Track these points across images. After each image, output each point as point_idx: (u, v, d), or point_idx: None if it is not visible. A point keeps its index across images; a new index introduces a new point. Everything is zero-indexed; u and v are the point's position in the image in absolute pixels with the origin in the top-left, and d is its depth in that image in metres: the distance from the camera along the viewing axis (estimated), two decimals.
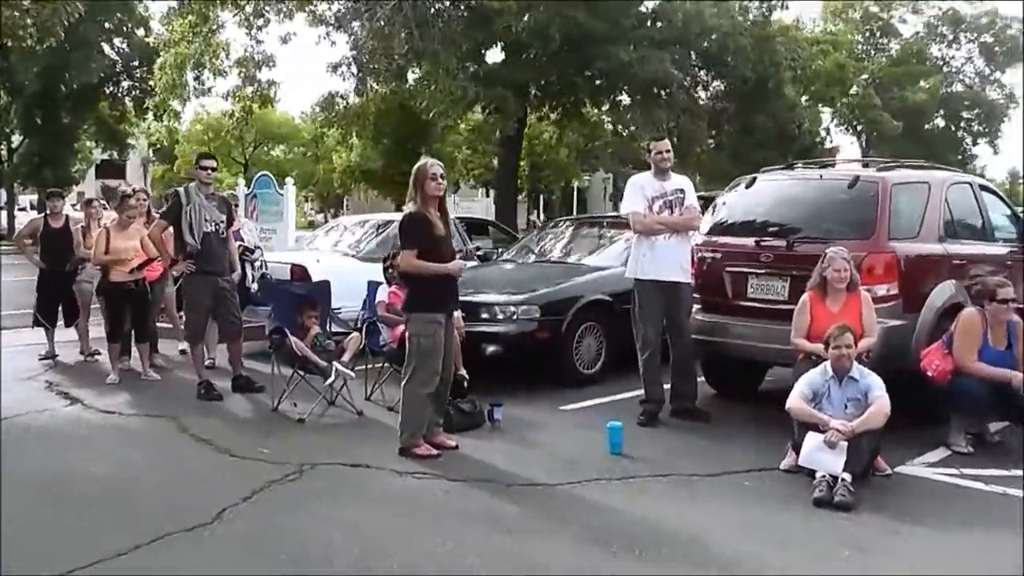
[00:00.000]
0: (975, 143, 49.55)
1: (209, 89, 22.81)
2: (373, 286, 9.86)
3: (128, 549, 5.30)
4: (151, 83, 29.91)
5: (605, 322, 10.40)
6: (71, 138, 41.49)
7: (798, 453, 6.75)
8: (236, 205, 11.00)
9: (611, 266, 11.06)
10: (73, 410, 8.96)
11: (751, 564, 5.25)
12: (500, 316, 9.95)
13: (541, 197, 58.30)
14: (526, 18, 24.41)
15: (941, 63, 49.72)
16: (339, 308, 9.92)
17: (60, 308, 11.48)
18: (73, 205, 21.92)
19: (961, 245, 8.74)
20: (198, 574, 5.08)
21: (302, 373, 8.83)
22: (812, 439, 6.48)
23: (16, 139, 41.85)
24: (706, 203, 9.66)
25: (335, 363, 8.61)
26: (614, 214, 18.29)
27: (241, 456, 7.24)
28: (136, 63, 39.19)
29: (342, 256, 13.06)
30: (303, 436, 8.01)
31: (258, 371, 9.90)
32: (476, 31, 24.81)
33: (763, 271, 8.52)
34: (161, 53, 24.31)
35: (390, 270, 9.55)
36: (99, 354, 11.21)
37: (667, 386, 8.80)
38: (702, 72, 27.96)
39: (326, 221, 63.49)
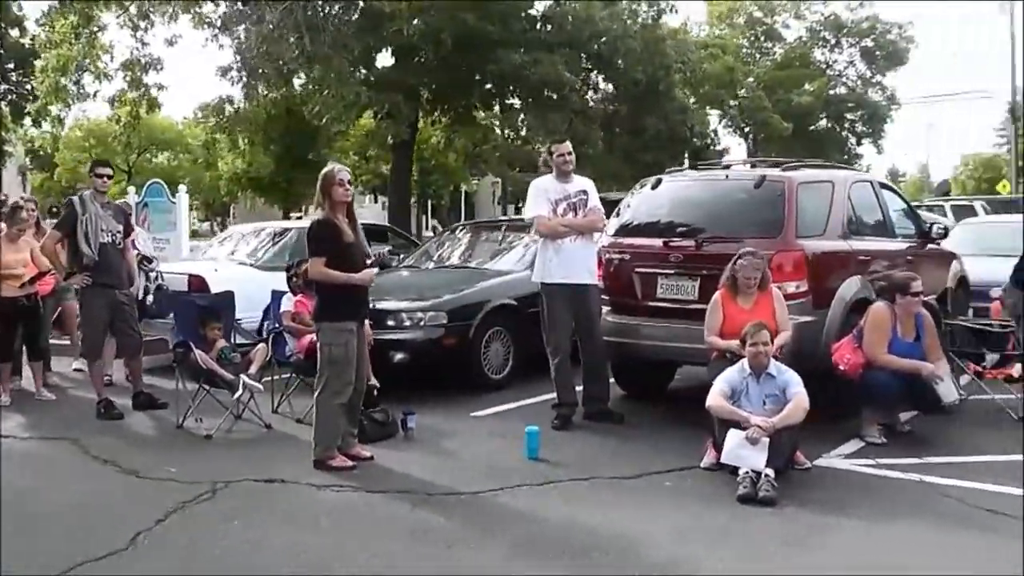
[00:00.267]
0: (859, 143, 51.03)
1: (95, 93, 22.00)
2: (277, 295, 9.65)
3: None
4: (28, 87, 28.86)
5: (512, 327, 10.35)
6: None
7: (718, 451, 6.79)
8: (130, 214, 10.61)
9: (515, 270, 11.05)
10: None
11: (688, 565, 5.24)
12: (407, 323, 9.82)
13: (429, 202, 58.12)
14: (415, 22, 24.26)
15: (824, 67, 51.05)
16: (239, 319, 9.67)
17: None
18: None
19: (864, 241, 8.92)
20: None
21: (208, 388, 8.57)
22: (734, 436, 6.51)
23: None
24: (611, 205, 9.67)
25: (242, 376, 8.39)
26: (513, 217, 18.38)
27: (149, 477, 6.97)
28: (11, 66, 37.70)
29: (240, 265, 12.77)
30: (212, 453, 7.76)
31: (158, 387, 9.63)
32: (366, 35, 24.58)
33: (672, 271, 8.56)
34: (41, 56, 23.53)
35: (294, 279, 9.36)
36: None
37: (579, 388, 8.77)
38: (592, 74, 28.13)
39: (212, 230, 62.51)
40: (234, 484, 6.71)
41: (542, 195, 8.68)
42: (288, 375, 9.32)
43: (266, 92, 24.27)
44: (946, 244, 11.20)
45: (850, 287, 8.40)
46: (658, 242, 8.67)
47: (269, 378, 9.05)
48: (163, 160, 57.74)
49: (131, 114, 22.19)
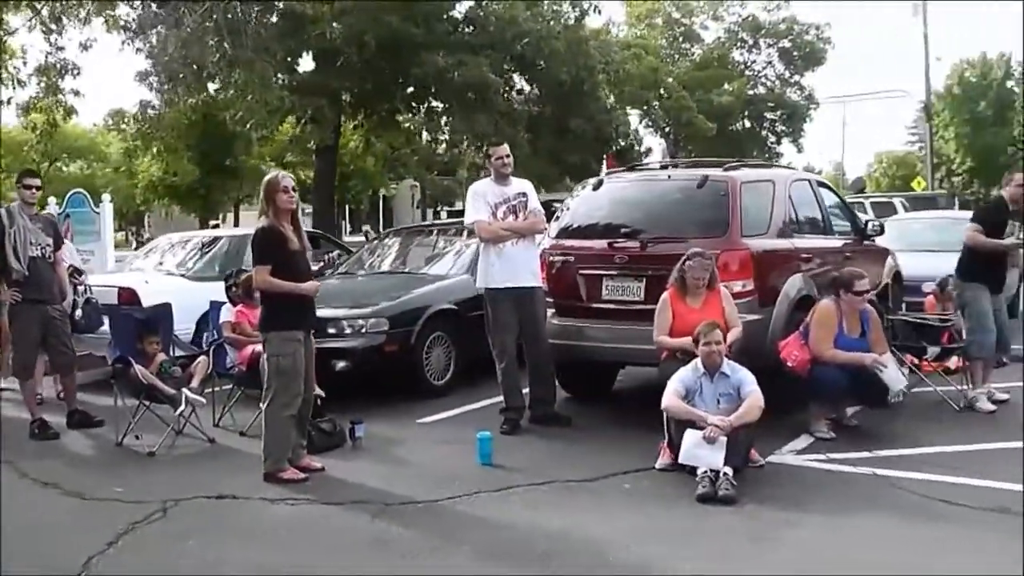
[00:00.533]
0: (779, 142, 51.80)
1: (8, 100, 21.25)
2: (216, 305, 9.45)
3: None
4: None
5: (452, 332, 10.27)
6: None
7: (673, 451, 6.80)
8: (59, 226, 10.28)
9: (453, 274, 10.98)
10: None
11: (660, 566, 5.21)
12: (348, 330, 9.68)
13: (348, 207, 57.70)
14: (335, 25, 24.03)
15: (743, 67, 51.72)
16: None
17: None
18: None
19: (806, 239, 9.01)
20: None
21: (148, 404, 8.34)
22: (691, 436, 6.50)
23: None
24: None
25: (184, 390, 8.19)
26: (448, 221, 18.32)
27: (95, 498, 6.73)
28: None
29: (170, 276, 12.48)
30: (157, 470, 7.55)
31: (91, 403, 9.34)
32: (288, 39, 24.29)
33: (618, 272, 8.54)
34: None
35: (234, 288, 9.18)
36: None
37: (524, 390, 8.70)
38: (516, 76, 28.14)
39: (127, 239, 61.21)
40: (184, 502, 6.52)
41: (480, 199, 8.59)
42: (232, 387, 9.12)
43: (186, 97, 23.80)
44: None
45: (794, 284, 8.47)
46: (602, 243, 8.64)
47: (210, 390, 8.85)
48: (75, 169, 56.38)
49: (48, 121, 21.53)
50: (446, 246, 12.28)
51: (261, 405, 8.21)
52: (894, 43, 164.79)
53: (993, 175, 58.55)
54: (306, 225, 8.79)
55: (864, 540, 5.55)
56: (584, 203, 9.41)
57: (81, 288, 10.73)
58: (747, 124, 50.95)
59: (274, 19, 24.37)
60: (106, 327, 10.10)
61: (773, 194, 8.82)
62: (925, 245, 14.01)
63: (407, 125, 30.15)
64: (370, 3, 23.54)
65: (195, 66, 22.47)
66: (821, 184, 10.26)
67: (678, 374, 6.96)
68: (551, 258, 8.90)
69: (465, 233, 12.25)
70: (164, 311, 9.14)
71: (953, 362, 9.11)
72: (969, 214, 10.83)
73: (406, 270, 11.88)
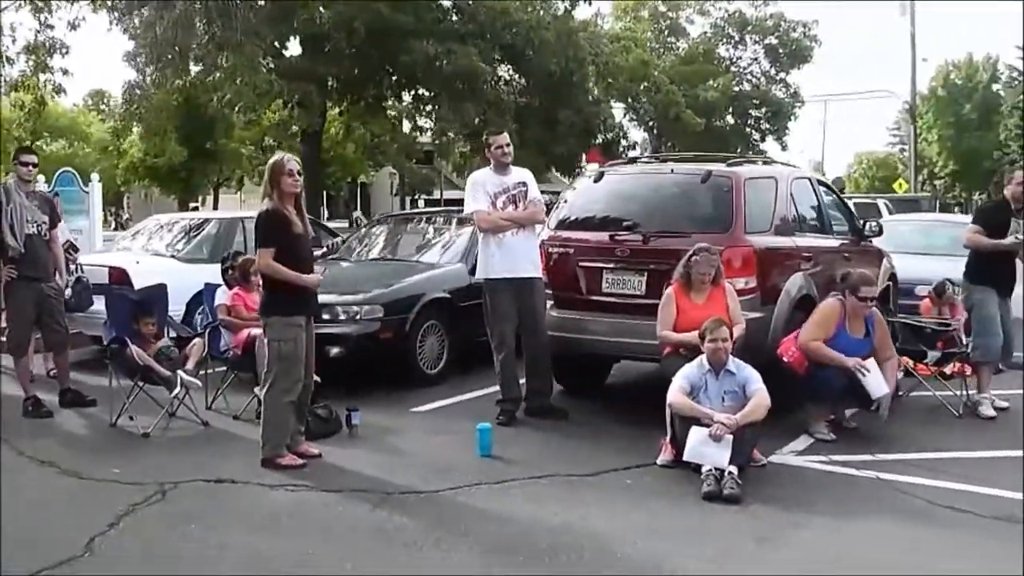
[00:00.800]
0: (763, 139, 51.75)
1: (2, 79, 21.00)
2: (211, 288, 9.37)
3: None
4: None
5: (445, 321, 10.24)
6: None
7: (675, 447, 6.78)
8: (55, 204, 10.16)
9: (446, 263, 10.94)
10: None
11: (668, 565, 5.19)
12: (342, 317, 9.64)
13: (326, 193, 57.38)
14: (322, 10, 23.90)
15: (728, 63, 51.58)
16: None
17: None
18: None
19: (807, 238, 8.99)
20: None
21: (142, 384, 8.28)
22: (697, 433, 6.48)
23: None
24: None
25: (180, 372, 8.14)
26: (438, 209, 18.26)
27: (92, 478, 6.70)
28: None
29: (159, 257, 12.37)
30: (152, 452, 7.49)
31: (82, 383, 9.30)
32: (277, 24, 24.13)
33: (618, 266, 8.50)
34: None
35: (231, 271, 9.11)
36: None
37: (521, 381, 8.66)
38: (504, 66, 28.03)
39: (105, 220, 60.76)
40: (183, 484, 6.49)
41: (480, 189, 8.53)
42: (226, 371, 9.07)
43: (174, 79, 23.62)
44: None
45: (795, 283, 8.45)
46: (603, 236, 8.58)
47: (203, 373, 8.78)
48: (57, 148, 55.92)
49: (36, 100, 21.33)
50: (437, 234, 12.23)
51: (255, 390, 8.22)
52: (880, 42, 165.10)
53: (976, 179, 59.01)
54: None
55: (869, 542, 5.55)
56: (584, 195, 9.37)
57: (73, 267, 10.66)
58: (732, 120, 50.80)
59: (262, 2, 24.18)
60: (96, 306, 10.06)
61: (775, 191, 8.79)
62: (914, 248, 14.05)
63: (392, 113, 30.01)
64: None
65: (181, 49, 22.31)
66: (820, 183, 10.25)
67: (683, 370, 6.93)
68: (550, 249, 8.85)
69: (455, 221, 12.23)
70: (159, 292, 9.08)
71: (950, 367, 9.08)
72: (954, 217, 10.87)
73: (397, 257, 11.81)
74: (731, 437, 6.40)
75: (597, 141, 31.73)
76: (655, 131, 45.20)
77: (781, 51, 50.17)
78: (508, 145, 8.63)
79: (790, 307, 8.29)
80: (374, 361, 9.77)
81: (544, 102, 28.07)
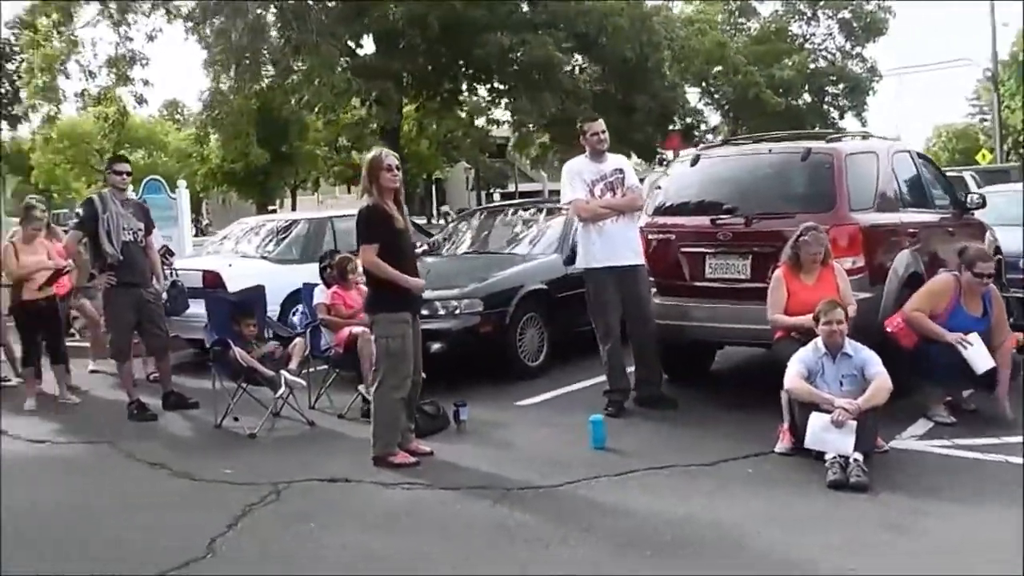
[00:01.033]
0: (842, 116, 50.58)
1: (82, 92, 21.41)
2: (309, 287, 9.35)
3: None
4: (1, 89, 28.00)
5: (544, 312, 10.08)
6: None
7: (794, 434, 6.54)
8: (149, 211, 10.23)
9: (540, 254, 10.79)
10: None
11: (794, 555, 4.99)
12: (441, 312, 9.52)
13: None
14: (394, 7, 23.90)
15: (802, 40, 50.56)
16: None
17: None
18: None
19: (911, 214, 8.66)
20: None
21: (245, 386, 8.26)
22: (818, 419, 6.23)
23: None
24: None
25: (283, 372, 8.10)
26: (527, 200, 18.11)
27: (204, 479, 6.69)
28: None
29: (250, 259, 12.41)
30: (261, 452, 7.46)
31: (181, 385, 9.36)
32: (350, 22, 24.19)
33: (721, 250, 8.26)
34: (17, 57, 22.97)
35: (328, 270, 9.07)
36: (7, 380, 10.41)
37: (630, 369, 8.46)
38: (577, 54, 27.81)
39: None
40: (296, 484, 6.44)
41: (577, 178, 8.34)
42: (328, 369, 9.03)
43: (251, 84, 23.82)
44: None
45: (902, 261, 8.13)
46: (704, 220, 8.35)
47: (305, 372, 8.74)
48: (137, 158, 56.98)
49: (119, 111, 21.68)
50: (528, 225, 12.09)
51: (359, 388, 8.16)
52: (956, 10, 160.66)
53: None
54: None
55: (1000, 528, 5.25)
56: (680, 180, 9.16)
57: (168, 271, 10.75)
58: (808, 99, 49.74)
59: (333, 3, 24.25)
60: (192, 310, 10.14)
61: (877, 166, 8.48)
62: (1011, 219, 13.55)
63: (466, 108, 29.95)
64: None
65: (255, 54, 22.47)
66: (921, 156, 9.90)
67: (798, 354, 6.68)
68: (649, 236, 8.63)
69: (544, 212, 12.09)
70: (257, 294, 9.09)
71: None
72: None
73: (489, 250, 11.69)
74: (854, 423, 6.14)
75: (675, 127, 31.34)
76: (731, 114, 44.54)
77: (855, 25, 48.82)
78: (604, 132, 8.44)
79: (899, 286, 7.96)
80: (475, 356, 9.63)
81: (620, 89, 27.77)
